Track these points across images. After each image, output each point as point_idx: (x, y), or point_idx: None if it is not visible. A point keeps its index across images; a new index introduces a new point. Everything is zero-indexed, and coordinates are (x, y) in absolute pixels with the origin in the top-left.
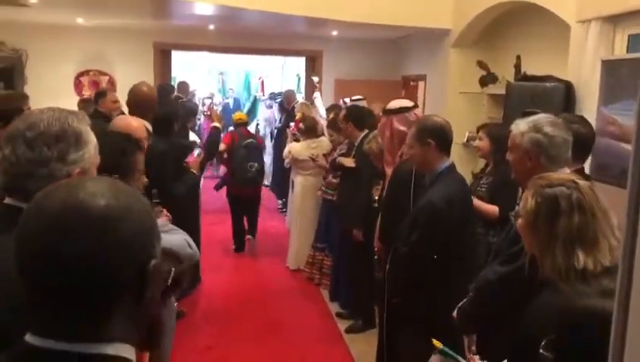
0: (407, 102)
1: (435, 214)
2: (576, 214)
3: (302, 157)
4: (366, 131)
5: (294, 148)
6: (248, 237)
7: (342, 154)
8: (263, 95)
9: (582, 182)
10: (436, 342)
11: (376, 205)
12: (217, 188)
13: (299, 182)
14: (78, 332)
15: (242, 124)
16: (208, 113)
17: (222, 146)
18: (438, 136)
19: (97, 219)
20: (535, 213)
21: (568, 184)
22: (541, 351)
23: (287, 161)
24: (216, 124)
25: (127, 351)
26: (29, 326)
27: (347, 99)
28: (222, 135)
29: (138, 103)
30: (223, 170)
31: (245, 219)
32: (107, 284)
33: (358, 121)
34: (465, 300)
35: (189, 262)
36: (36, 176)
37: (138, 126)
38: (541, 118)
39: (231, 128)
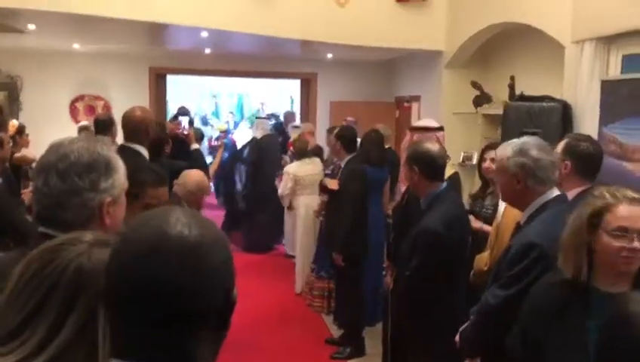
0: (432, 123)
1: (435, 240)
2: None
3: (301, 174)
4: (354, 154)
5: (291, 168)
6: None
7: (327, 175)
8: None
9: None
10: None
11: (390, 221)
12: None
13: (302, 203)
14: (171, 360)
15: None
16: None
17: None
18: (423, 164)
19: (193, 247)
20: None
21: None
22: None
23: (289, 186)
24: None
25: None
26: None
27: (350, 118)
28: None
29: (132, 129)
30: None
31: None
32: (201, 311)
33: (347, 143)
34: (467, 324)
35: None
36: (69, 205)
37: None
38: (527, 141)
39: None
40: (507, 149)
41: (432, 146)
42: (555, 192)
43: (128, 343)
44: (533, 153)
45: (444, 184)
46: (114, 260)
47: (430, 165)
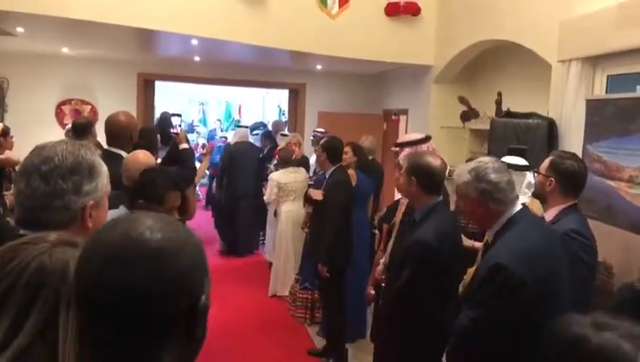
0: (416, 135)
1: (428, 253)
2: None
3: (284, 181)
4: (338, 165)
5: (275, 175)
6: None
7: (311, 186)
8: (240, 116)
9: None
10: None
11: (376, 231)
12: None
13: (283, 210)
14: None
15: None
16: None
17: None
18: (422, 177)
19: (155, 251)
20: None
21: None
22: None
23: (274, 192)
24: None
25: None
26: None
27: (319, 129)
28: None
29: (115, 134)
30: None
31: None
32: (161, 316)
33: (331, 154)
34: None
35: None
36: (51, 208)
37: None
38: (482, 164)
39: None
40: (465, 175)
41: (434, 160)
42: (518, 207)
43: (95, 348)
44: (490, 177)
45: (440, 198)
46: (82, 263)
47: (429, 179)
